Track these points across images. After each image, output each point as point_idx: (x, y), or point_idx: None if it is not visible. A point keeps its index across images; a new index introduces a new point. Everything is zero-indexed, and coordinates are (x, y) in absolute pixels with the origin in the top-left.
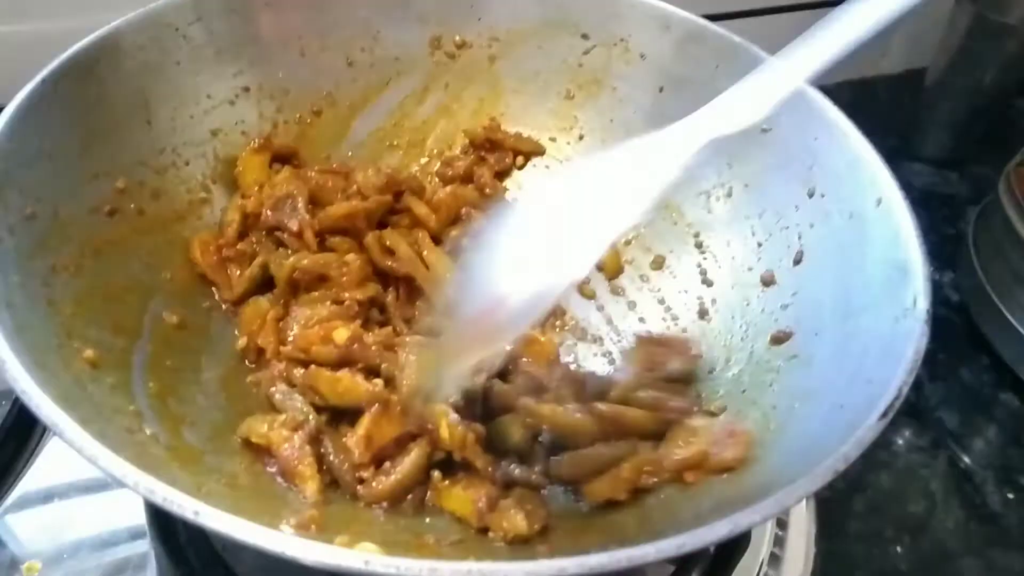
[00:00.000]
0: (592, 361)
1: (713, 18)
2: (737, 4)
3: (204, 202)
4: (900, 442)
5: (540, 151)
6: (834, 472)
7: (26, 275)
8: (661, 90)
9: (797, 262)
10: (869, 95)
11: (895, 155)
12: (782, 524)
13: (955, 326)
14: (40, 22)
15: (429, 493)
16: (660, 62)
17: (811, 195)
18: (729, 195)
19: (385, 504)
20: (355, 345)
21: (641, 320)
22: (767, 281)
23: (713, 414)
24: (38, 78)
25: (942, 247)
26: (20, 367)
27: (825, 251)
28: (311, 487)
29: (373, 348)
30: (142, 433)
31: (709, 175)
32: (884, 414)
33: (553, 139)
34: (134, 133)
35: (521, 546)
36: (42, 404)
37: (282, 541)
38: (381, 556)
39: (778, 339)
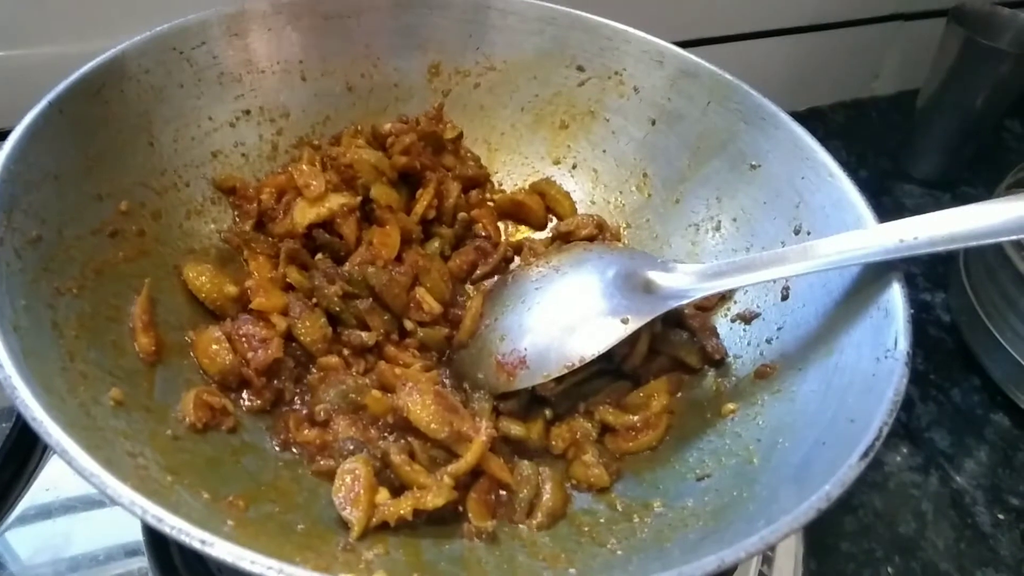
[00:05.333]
0: None
1: (709, 42)
2: (732, 29)
3: (203, 223)
4: (891, 462)
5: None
6: (817, 511)
7: (32, 298)
8: (653, 123)
9: (784, 298)
10: (862, 117)
11: (887, 176)
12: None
13: (946, 347)
14: (46, 47)
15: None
16: (653, 96)
17: (797, 232)
18: (718, 228)
19: None
20: None
21: None
22: (753, 315)
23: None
24: (44, 101)
25: (933, 268)
26: (30, 394)
27: (811, 288)
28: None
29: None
30: (143, 457)
31: (699, 208)
32: (865, 454)
33: (548, 168)
34: (137, 155)
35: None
36: (52, 432)
37: (291, 572)
38: None
39: (762, 373)
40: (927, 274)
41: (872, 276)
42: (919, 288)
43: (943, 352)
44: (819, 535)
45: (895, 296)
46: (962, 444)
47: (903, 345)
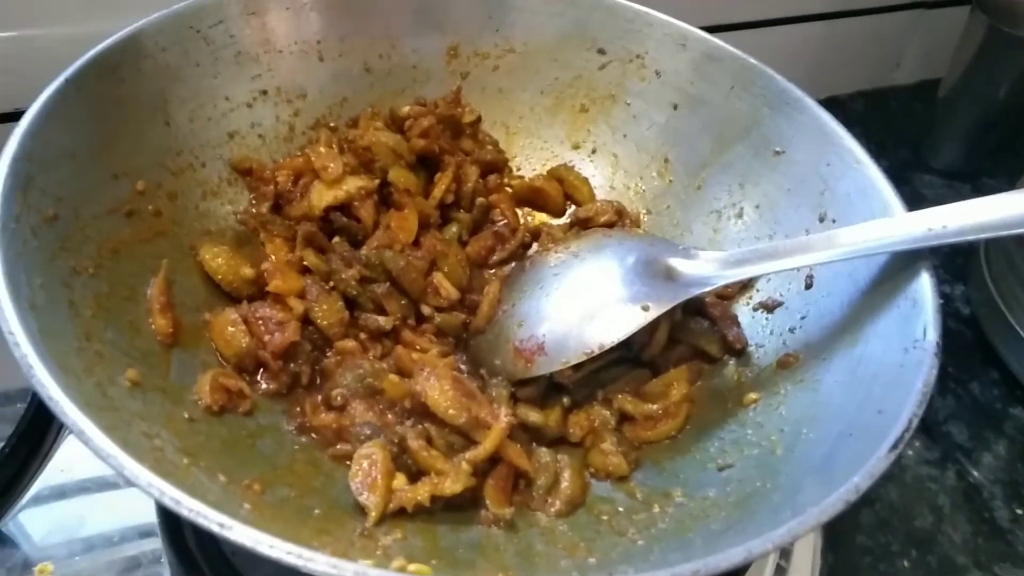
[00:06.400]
0: None
1: (727, 28)
2: (750, 15)
3: (220, 204)
4: (908, 456)
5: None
6: (846, 503)
7: (48, 277)
8: (675, 108)
9: (808, 287)
10: (883, 106)
11: (907, 166)
12: None
13: (965, 339)
14: (64, 27)
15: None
16: (675, 80)
17: (822, 220)
18: (740, 215)
19: None
20: None
21: None
22: (776, 303)
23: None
24: (61, 78)
25: (953, 260)
26: (47, 373)
27: (835, 277)
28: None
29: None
30: (159, 438)
31: (721, 195)
32: (895, 446)
33: (567, 152)
34: (153, 134)
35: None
36: (69, 411)
37: (309, 557)
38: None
39: (785, 363)
40: (946, 266)
41: (899, 265)
42: (938, 280)
43: (962, 345)
44: (836, 528)
45: (923, 286)
46: (980, 438)
47: (932, 336)
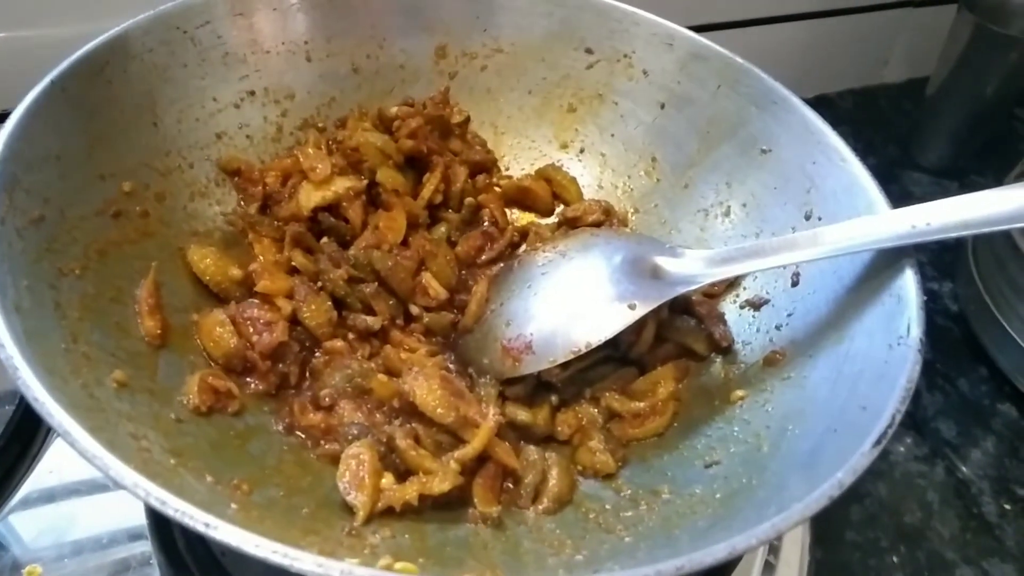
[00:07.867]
0: None
1: (715, 27)
2: (738, 14)
3: (207, 205)
4: (897, 452)
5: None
6: (829, 498)
7: (34, 278)
8: (662, 107)
9: (794, 284)
10: (871, 104)
11: (896, 164)
12: None
13: (953, 336)
14: (50, 28)
15: None
16: (662, 79)
17: (808, 218)
18: (727, 214)
19: None
20: None
21: None
22: (762, 301)
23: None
24: (47, 79)
25: (941, 257)
26: (32, 375)
27: (821, 274)
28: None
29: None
30: (146, 439)
31: (708, 193)
32: (878, 441)
33: (555, 151)
34: (140, 135)
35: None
36: (54, 413)
37: (296, 556)
38: (391, 573)
39: (772, 360)
40: (934, 263)
41: (884, 262)
42: (926, 277)
43: (950, 342)
44: (825, 524)
45: (907, 282)
46: (968, 434)
47: (916, 332)
